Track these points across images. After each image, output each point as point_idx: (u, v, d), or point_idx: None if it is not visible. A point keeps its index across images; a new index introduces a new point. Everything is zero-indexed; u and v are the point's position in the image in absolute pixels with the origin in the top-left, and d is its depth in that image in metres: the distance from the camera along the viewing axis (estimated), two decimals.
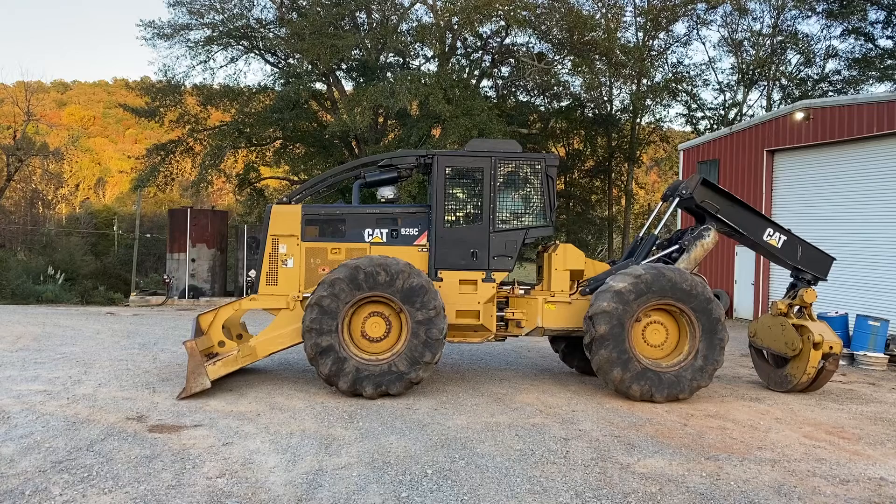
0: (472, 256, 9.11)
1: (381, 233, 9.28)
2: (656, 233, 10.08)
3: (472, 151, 9.32)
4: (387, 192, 9.76)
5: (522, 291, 9.62)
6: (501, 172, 9.23)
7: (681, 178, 20.67)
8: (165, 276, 23.09)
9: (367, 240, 9.27)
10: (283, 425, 7.14)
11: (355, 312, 8.57)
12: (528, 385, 9.55)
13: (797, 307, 9.80)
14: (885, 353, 12.36)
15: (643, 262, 9.43)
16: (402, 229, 9.30)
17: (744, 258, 19.52)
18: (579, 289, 9.47)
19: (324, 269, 9.10)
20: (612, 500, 5.33)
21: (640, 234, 10.53)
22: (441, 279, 9.06)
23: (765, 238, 9.76)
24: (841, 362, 12.30)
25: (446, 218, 9.19)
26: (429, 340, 8.34)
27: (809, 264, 9.86)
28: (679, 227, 19.97)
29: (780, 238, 9.77)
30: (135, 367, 10.16)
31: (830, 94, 29.66)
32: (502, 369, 10.77)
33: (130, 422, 7.11)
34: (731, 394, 9.38)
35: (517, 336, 9.59)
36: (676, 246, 9.71)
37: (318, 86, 25.84)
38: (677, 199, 9.74)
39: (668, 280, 8.54)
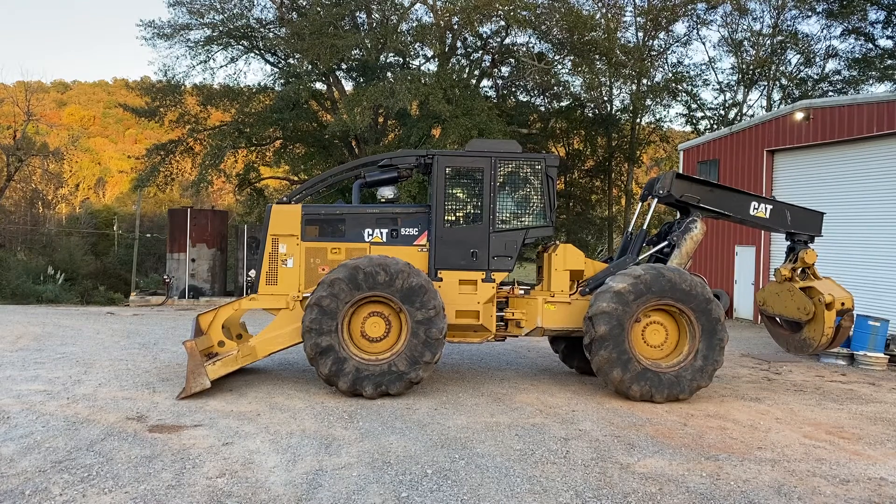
0: (471, 256, 9.11)
1: (381, 233, 9.28)
2: (643, 229, 10.11)
3: (472, 151, 9.33)
4: (387, 192, 9.76)
5: (522, 291, 9.62)
6: (501, 172, 9.24)
7: None
8: (165, 276, 23.08)
9: (367, 240, 9.27)
10: (283, 425, 7.14)
11: (355, 312, 8.57)
12: (528, 385, 9.55)
13: (800, 269, 9.93)
14: (885, 353, 12.37)
15: (639, 261, 9.46)
16: (402, 229, 9.30)
17: (744, 258, 19.52)
18: (579, 289, 9.47)
19: (324, 269, 9.10)
20: (612, 500, 5.33)
21: (629, 230, 10.58)
22: (441, 279, 9.06)
23: (751, 213, 9.85)
24: (841, 362, 12.35)
25: (446, 218, 9.19)
26: (429, 340, 8.34)
27: (801, 225, 10.02)
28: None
29: (766, 208, 9.88)
30: (135, 367, 10.15)
31: (830, 94, 29.66)
32: (502, 369, 10.77)
33: (130, 422, 7.12)
34: (731, 394, 9.38)
35: (517, 336, 9.59)
36: (666, 242, 9.75)
37: (318, 86, 25.84)
38: (656, 200, 9.83)
39: (667, 280, 8.55)
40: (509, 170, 9.29)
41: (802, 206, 10.19)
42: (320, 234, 9.31)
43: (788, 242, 10.31)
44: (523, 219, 9.29)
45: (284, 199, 9.76)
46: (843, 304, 9.50)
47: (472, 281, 9.12)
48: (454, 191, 9.32)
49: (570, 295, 9.41)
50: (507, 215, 9.25)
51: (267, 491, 5.32)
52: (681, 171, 22.69)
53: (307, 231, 9.27)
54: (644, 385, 8.43)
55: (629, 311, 8.48)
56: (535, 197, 9.32)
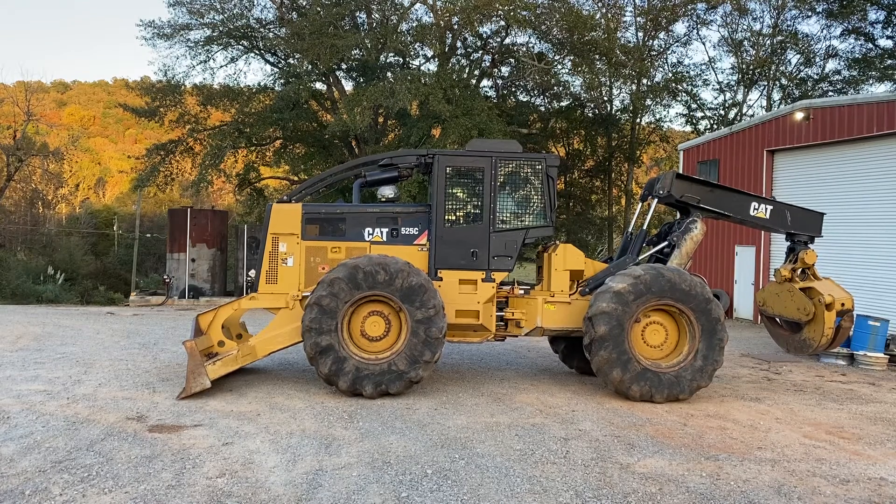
0: (472, 256, 9.10)
1: (382, 232, 9.28)
2: (643, 229, 10.12)
3: (473, 151, 9.32)
4: (387, 192, 9.76)
5: (522, 291, 9.62)
6: (502, 172, 9.24)
7: None
8: (165, 276, 23.08)
9: (367, 239, 9.26)
10: (283, 425, 7.14)
11: (355, 312, 8.56)
12: (528, 385, 9.55)
13: (800, 270, 9.94)
14: (885, 353, 12.37)
15: (639, 261, 9.46)
16: (403, 228, 9.29)
17: (744, 258, 19.52)
18: (579, 289, 9.47)
19: (324, 268, 9.10)
20: (612, 500, 5.33)
21: (629, 230, 10.58)
22: (441, 279, 9.06)
23: (752, 213, 9.86)
24: (841, 362, 12.34)
25: (446, 217, 9.19)
26: (428, 339, 8.33)
27: (801, 226, 10.04)
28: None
29: (766, 209, 9.89)
30: (135, 367, 10.15)
31: (830, 94, 29.67)
32: (502, 369, 10.77)
33: (130, 422, 7.11)
34: (731, 394, 9.38)
35: (517, 336, 9.59)
36: (666, 242, 9.75)
37: (318, 86, 25.84)
38: (656, 200, 9.83)
39: (667, 280, 8.54)
40: (510, 170, 9.29)
41: (802, 207, 10.19)
42: (320, 233, 9.31)
43: (788, 243, 10.31)
44: (523, 219, 9.29)
45: (285, 197, 9.76)
46: (842, 304, 9.52)
47: (472, 281, 9.12)
48: (454, 190, 9.32)
49: (570, 295, 9.41)
50: (508, 215, 9.25)
51: (267, 491, 5.32)
52: (681, 172, 22.75)
53: (307, 230, 9.27)
54: (644, 385, 8.43)
55: (629, 312, 8.48)
56: (535, 197, 9.31)
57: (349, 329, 8.54)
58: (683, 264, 9.48)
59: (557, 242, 9.91)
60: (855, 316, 12.66)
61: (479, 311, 9.09)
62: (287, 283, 9.17)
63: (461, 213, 9.33)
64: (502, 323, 9.47)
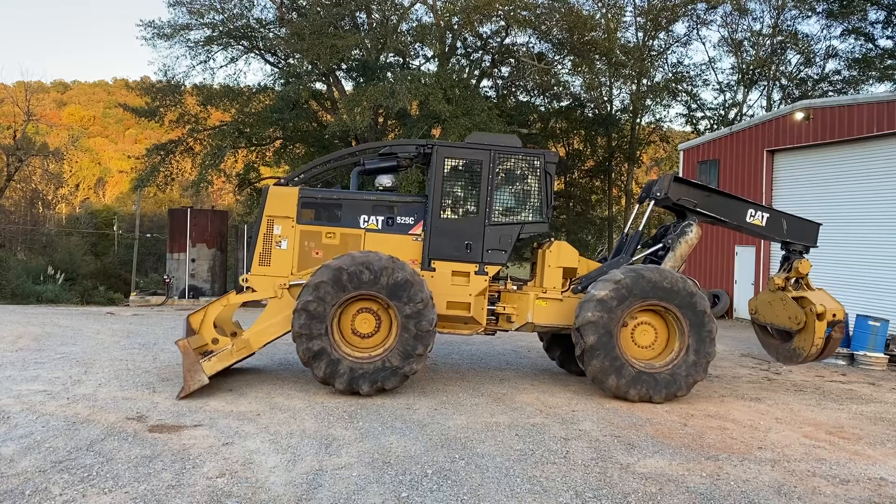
0: (466, 248, 9.10)
1: (377, 220, 9.25)
2: (639, 230, 10.11)
3: (472, 144, 9.32)
4: (385, 181, 9.73)
5: (515, 287, 9.63)
6: (500, 166, 9.23)
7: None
8: (165, 276, 23.07)
9: (362, 226, 9.24)
10: (283, 425, 7.14)
11: (344, 311, 8.52)
12: (528, 385, 9.55)
13: (794, 279, 9.92)
14: (885, 353, 12.37)
15: (627, 264, 9.45)
16: (398, 217, 9.27)
17: (744, 258, 19.52)
18: (571, 287, 9.47)
19: (317, 253, 9.08)
20: (612, 500, 5.33)
21: (626, 230, 10.62)
22: (434, 269, 9.05)
23: (748, 220, 9.84)
24: (841, 362, 12.34)
25: (443, 208, 9.18)
26: (419, 333, 8.32)
27: (797, 235, 10.01)
28: None
29: (762, 216, 9.87)
30: (135, 367, 10.15)
31: (830, 94, 29.67)
32: (502, 369, 10.77)
33: (130, 422, 7.11)
34: (731, 394, 9.38)
35: (507, 330, 9.58)
36: (661, 245, 9.75)
37: (318, 86, 25.84)
38: (653, 202, 9.82)
39: (647, 281, 8.53)
40: (508, 164, 9.29)
41: (800, 216, 10.14)
42: (316, 218, 9.27)
43: (784, 252, 10.28)
44: (519, 213, 9.29)
45: (282, 181, 9.76)
46: (834, 315, 9.45)
47: (465, 273, 9.11)
48: (452, 182, 9.32)
49: (563, 292, 9.41)
50: (504, 209, 9.25)
51: (267, 491, 5.32)
52: (680, 172, 22.72)
53: (303, 214, 9.23)
54: (641, 388, 8.42)
55: (614, 317, 8.45)
56: (532, 192, 9.31)
57: (339, 329, 8.52)
58: (677, 267, 9.49)
59: (552, 239, 9.91)
60: (855, 317, 12.66)
61: (471, 304, 9.08)
62: (280, 267, 9.12)
63: (458, 205, 9.34)
64: (493, 317, 9.46)
